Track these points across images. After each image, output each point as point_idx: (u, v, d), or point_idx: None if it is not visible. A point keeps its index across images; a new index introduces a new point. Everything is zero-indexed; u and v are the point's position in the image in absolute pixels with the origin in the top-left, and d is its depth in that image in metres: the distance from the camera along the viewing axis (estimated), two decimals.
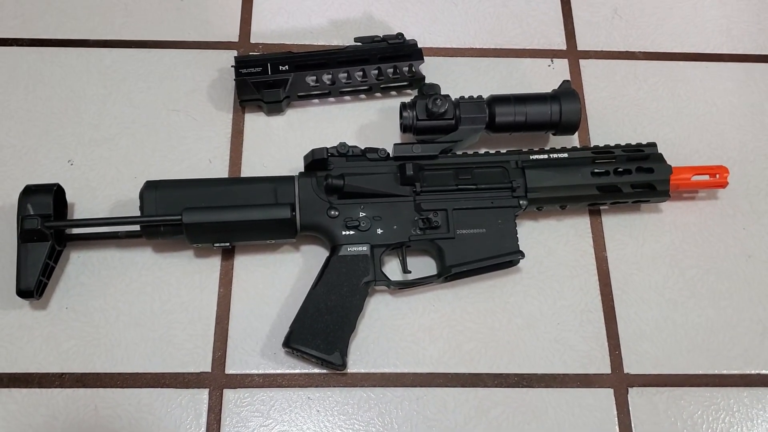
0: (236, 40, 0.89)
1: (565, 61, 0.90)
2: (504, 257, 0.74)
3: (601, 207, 0.80)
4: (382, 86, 0.84)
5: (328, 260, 0.73)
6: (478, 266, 0.74)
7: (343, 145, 0.75)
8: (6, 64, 0.86)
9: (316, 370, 0.73)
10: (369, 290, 0.73)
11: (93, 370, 0.72)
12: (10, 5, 0.89)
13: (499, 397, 0.73)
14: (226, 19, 0.90)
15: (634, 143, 0.79)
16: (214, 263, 0.77)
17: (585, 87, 0.89)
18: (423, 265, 0.77)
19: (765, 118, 0.88)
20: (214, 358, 0.73)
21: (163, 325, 0.74)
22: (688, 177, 0.78)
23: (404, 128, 0.77)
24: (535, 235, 0.80)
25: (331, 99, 0.85)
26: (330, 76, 0.82)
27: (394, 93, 0.86)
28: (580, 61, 0.90)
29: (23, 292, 0.70)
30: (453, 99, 0.77)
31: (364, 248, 0.73)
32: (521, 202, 0.75)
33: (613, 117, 0.87)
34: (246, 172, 0.82)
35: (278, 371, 0.73)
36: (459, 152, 0.79)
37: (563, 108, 0.77)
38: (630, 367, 0.75)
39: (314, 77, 0.81)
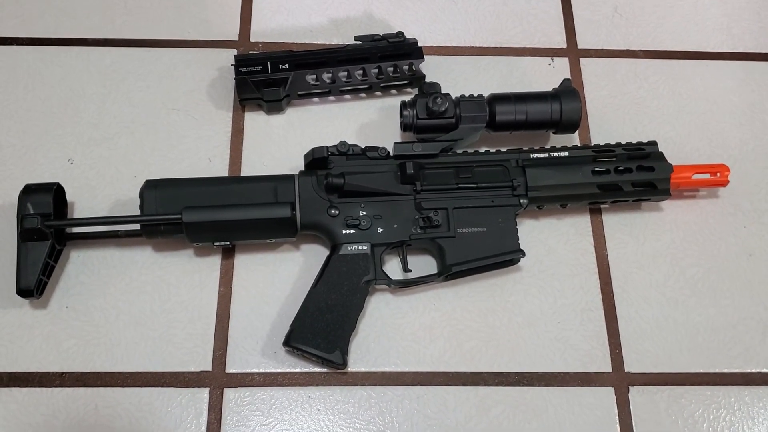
0: (236, 38, 0.89)
1: (566, 59, 0.90)
2: (504, 256, 0.74)
3: (602, 206, 0.80)
4: (382, 85, 0.84)
5: (328, 259, 0.73)
6: (479, 265, 0.74)
7: (343, 143, 0.75)
8: (5, 63, 0.86)
9: (317, 369, 0.73)
10: (369, 289, 0.73)
11: (93, 369, 0.72)
12: (10, 4, 0.89)
13: (499, 395, 0.73)
14: (226, 18, 0.90)
15: (634, 142, 0.79)
16: (215, 262, 0.77)
17: (585, 85, 0.89)
18: (423, 264, 0.77)
19: (766, 117, 0.88)
20: (214, 357, 0.73)
21: (163, 324, 0.74)
22: (689, 175, 0.78)
23: (404, 127, 0.77)
24: (536, 233, 0.80)
25: (332, 98, 0.85)
26: (330, 75, 0.82)
27: (394, 92, 0.86)
28: (581, 59, 0.90)
29: (23, 291, 0.70)
30: (453, 98, 0.77)
31: (364, 247, 0.73)
32: (522, 200, 0.75)
33: (613, 115, 0.87)
34: (246, 171, 0.82)
35: (279, 370, 0.73)
36: (459, 151, 0.79)
37: (564, 106, 0.77)
38: (631, 365, 0.75)
39: (314, 76, 0.81)
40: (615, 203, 0.79)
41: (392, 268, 0.77)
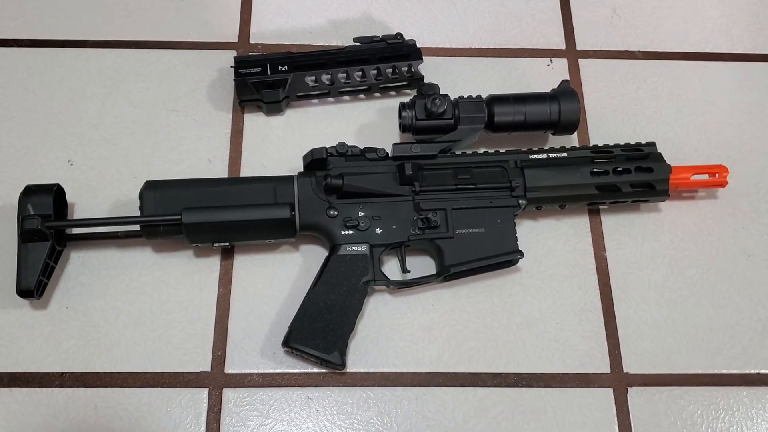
0: (236, 40, 0.89)
1: (564, 60, 0.90)
2: (503, 257, 0.74)
3: (601, 206, 0.80)
4: (381, 86, 0.84)
5: (327, 260, 0.73)
6: (478, 266, 0.74)
7: (342, 144, 0.75)
8: (6, 64, 0.86)
9: (316, 370, 0.73)
10: (368, 290, 0.74)
11: (93, 369, 0.72)
12: (10, 6, 0.89)
13: (498, 396, 0.73)
14: (226, 20, 0.90)
15: (633, 143, 0.79)
16: (214, 263, 0.77)
17: (584, 86, 0.89)
18: (422, 265, 0.77)
19: (764, 118, 0.88)
20: (213, 358, 0.73)
21: (162, 324, 0.74)
22: (688, 176, 0.78)
23: (403, 128, 0.78)
24: (535, 234, 0.80)
25: (330, 99, 0.85)
26: (329, 76, 0.82)
27: (393, 93, 0.86)
28: (579, 60, 0.90)
29: (23, 292, 0.70)
30: (452, 99, 0.77)
31: (363, 248, 0.73)
32: (520, 201, 0.75)
33: (612, 116, 0.87)
34: (245, 172, 0.82)
35: (278, 371, 0.73)
36: (458, 152, 0.79)
37: (562, 107, 0.77)
38: (629, 366, 0.75)
39: (313, 77, 0.81)
40: (614, 204, 0.79)
41: (391, 268, 0.77)
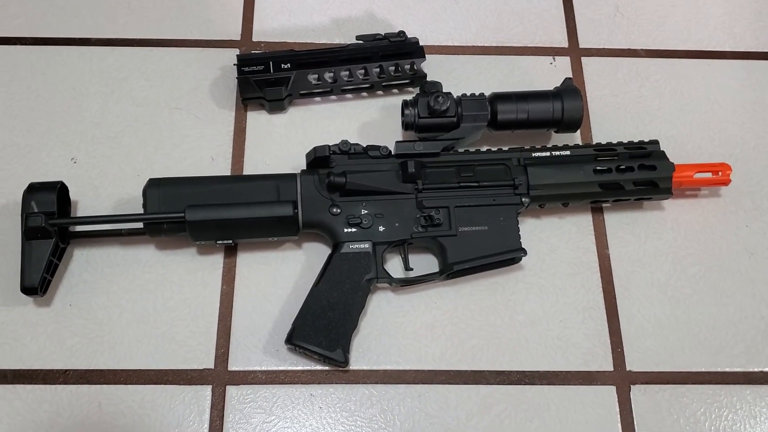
0: (238, 38, 0.89)
1: (567, 58, 0.90)
2: (506, 255, 0.74)
3: (604, 204, 0.80)
4: (383, 84, 0.84)
5: (330, 257, 0.73)
6: (480, 264, 0.74)
7: (345, 142, 0.75)
8: (9, 63, 0.86)
9: (319, 367, 0.73)
10: (371, 287, 0.74)
11: (96, 366, 0.73)
12: (13, 4, 0.89)
13: (501, 394, 0.73)
14: (229, 18, 0.90)
15: (636, 141, 0.79)
16: (217, 260, 0.77)
17: (587, 84, 0.89)
18: (425, 263, 0.77)
19: (767, 115, 0.88)
20: (217, 355, 0.73)
21: (166, 322, 0.74)
22: (691, 174, 0.78)
23: (406, 126, 0.78)
24: (537, 232, 0.80)
25: (333, 97, 0.85)
26: (332, 74, 0.82)
27: (395, 91, 0.86)
28: (582, 58, 0.90)
29: (27, 289, 0.70)
30: (455, 97, 0.77)
31: (366, 245, 0.73)
32: (523, 199, 0.75)
33: (615, 114, 0.87)
34: (248, 169, 0.82)
35: (281, 368, 0.73)
36: (461, 150, 0.79)
37: (565, 105, 0.77)
38: (632, 364, 0.75)
39: (316, 75, 0.81)
40: (617, 202, 0.79)
41: (394, 266, 0.77)
